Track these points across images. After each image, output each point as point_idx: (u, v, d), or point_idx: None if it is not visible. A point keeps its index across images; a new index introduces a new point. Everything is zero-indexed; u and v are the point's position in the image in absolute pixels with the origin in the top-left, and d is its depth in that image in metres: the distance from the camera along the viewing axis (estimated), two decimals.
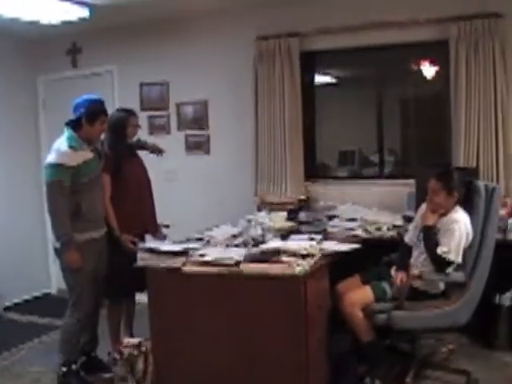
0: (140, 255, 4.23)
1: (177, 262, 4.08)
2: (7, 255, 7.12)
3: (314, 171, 6.46)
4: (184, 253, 4.17)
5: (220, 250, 4.25)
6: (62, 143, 4.64)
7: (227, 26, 6.52)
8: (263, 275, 3.90)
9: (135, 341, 4.74)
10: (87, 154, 4.70)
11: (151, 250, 4.29)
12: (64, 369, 4.82)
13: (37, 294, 7.57)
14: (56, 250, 4.72)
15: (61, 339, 4.90)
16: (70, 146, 4.60)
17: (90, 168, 4.69)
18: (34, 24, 6.12)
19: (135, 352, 4.64)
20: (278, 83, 6.19)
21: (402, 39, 5.80)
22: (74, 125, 4.71)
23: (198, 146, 6.82)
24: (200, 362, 4.16)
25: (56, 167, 4.54)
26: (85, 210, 4.67)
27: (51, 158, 4.59)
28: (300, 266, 3.86)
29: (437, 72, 6.03)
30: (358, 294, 4.42)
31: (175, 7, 6.29)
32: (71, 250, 4.55)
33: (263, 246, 4.25)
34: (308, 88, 6.41)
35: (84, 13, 5.72)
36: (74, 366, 4.86)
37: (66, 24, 6.12)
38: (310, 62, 6.40)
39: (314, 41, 6.16)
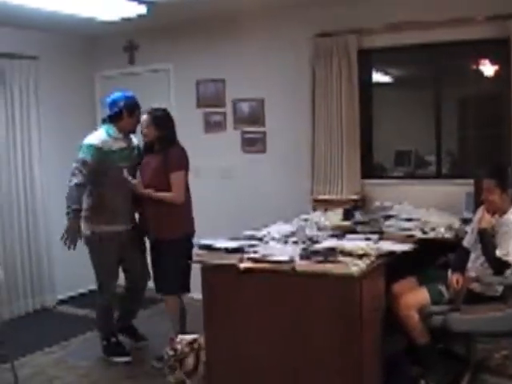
0: (196, 251, 4.24)
1: (232, 259, 4.08)
2: (61, 249, 7.21)
3: (371, 171, 6.37)
4: (239, 250, 4.17)
5: (275, 248, 4.23)
6: (99, 132, 5.25)
7: (284, 22, 6.49)
8: (318, 274, 3.88)
9: (189, 337, 4.77)
10: (122, 143, 5.24)
11: (207, 247, 4.29)
12: (104, 342, 5.49)
13: (89, 288, 7.64)
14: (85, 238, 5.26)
15: (95, 317, 5.59)
16: (108, 134, 5.18)
17: (121, 156, 5.20)
18: (92, 21, 6.20)
19: (186, 349, 4.67)
20: (336, 81, 6.13)
21: (460, 37, 5.68)
22: (113, 118, 5.25)
23: (253, 144, 6.80)
24: (251, 360, 4.16)
25: (87, 148, 5.11)
26: (108, 203, 5.16)
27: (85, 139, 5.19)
28: (356, 266, 3.83)
29: (496, 71, 5.90)
30: (414, 296, 4.36)
31: (231, 4, 6.29)
32: (71, 222, 5.06)
33: (318, 245, 4.22)
34: (365, 87, 6.33)
35: (142, 10, 5.76)
36: (113, 339, 5.48)
37: (124, 21, 6.19)
38: (368, 60, 6.32)
39: (371, 38, 6.08)
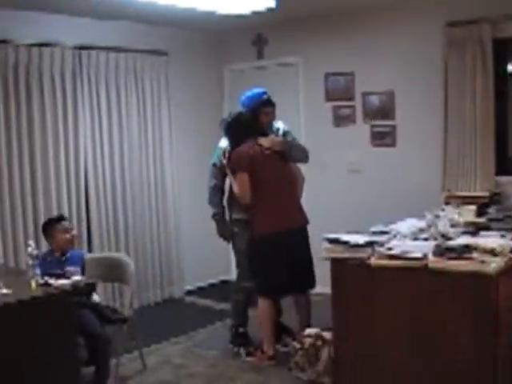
0: (325, 246, 4.18)
1: (363, 254, 4.01)
2: (189, 241, 7.34)
3: (506, 166, 6.11)
4: (370, 245, 4.08)
5: (407, 244, 4.11)
6: None
7: (413, 12, 6.34)
8: (452, 272, 3.74)
9: (315, 332, 4.73)
10: None
11: (337, 241, 4.22)
12: (233, 329, 5.60)
13: (216, 280, 7.76)
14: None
15: (231, 305, 5.72)
16: None
17: None
18: (221, 16, 6.26)
19: (313, 343, 4.63)
20: (469, 73, 5.94)
21: None
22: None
23: (383, 138, 6.66)
24: (379, 358, 4.05)
25: (215, 151, 5.44)
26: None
27: None
28: (493, 264, 3.66)
29: None
30: None
31: None
32: (220, 225, 5.48)
33: (452, 242, 4.07)
34: (500, 78, 6.07)
35: (270, 3, 5.75)
36: (240, 329, 5.56)
37: (252, 15, 6.21)
38: (503, 50, 6.05)
39: (507, 27, 5.80)
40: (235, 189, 5.14)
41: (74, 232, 5.05)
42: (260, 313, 5.25)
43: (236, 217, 5.42)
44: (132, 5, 5.78)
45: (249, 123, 5.26)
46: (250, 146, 5.13)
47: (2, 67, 5.86)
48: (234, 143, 5.20)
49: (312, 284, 5.35)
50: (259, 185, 5.07)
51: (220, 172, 5.38)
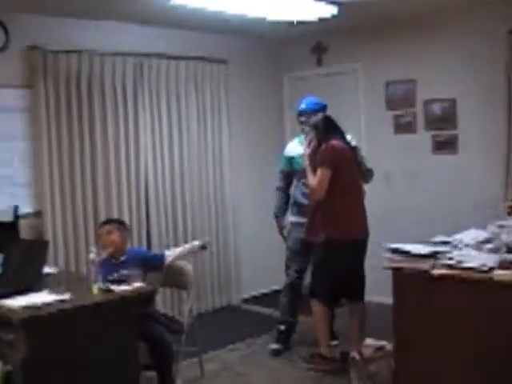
0: (387, 256, 4.14)
1: (425, 264, 3.94)
2: (248, 249, 7.34)
3: None
4: (432, 255, 4.02)
5: (470, 255, 4.03)
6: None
7: (476, 19, 6.25)
8: None
9: (376, 343, 4.68)
10: (297, 150, 5.59)
11: (398, 251, 4.17)
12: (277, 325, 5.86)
13: (275, 288, 7.73)
14: None
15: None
16: (297, 139, 5.71)
17: (301, 159, 5.43)
18: (281, 24, 6.26)
19: (373, 354, 4.58)
20: None
21: None
22: None
23: (444, 146, 6.56)
24: (442, 371, 3.97)
25: (282, 157, 5.85)
26: (294, 196, 5.74)
27: None
28: None
29: None
30: None
31: (422, 3, 6.10)
32: (277, 225, 5.89)
33: None
34: None
35: (332, 10, 5.73)
36: (281, 327, 5.79)
37: (312, 23, 6.19)
38: None
39: None
40: (311, 180, 5.06)
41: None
42: (315, 316, 5.23)
43: (290, 219, 5.79)
44: (193, 14, 5.82)
45: (333, 124, 5.22)
46: (340, 144, 5.09)
47: (65, 75, 5.96)
48: (322, 136, 5.13)
49: (363, 295, 5.32)
50: (341, 185, 5.00)
51: (287, 177, 5.80)
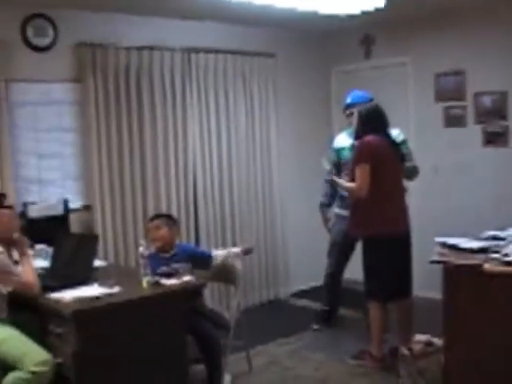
0: (437, 250, 4.08)
1: (477, 260, 3.87)
2: (295, 244, 7.32)
3: None
4: (484, 250, 3.94)
5: None
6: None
7: None
8: None
9: (425, 338, 4.63)
10: (346, 142, 5.80)
11: (449, 246, 4.11)
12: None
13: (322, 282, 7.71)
14: None
15: None
16: (345, 132, 5.88)
17: (346, 151, 5.73)
18: (329, 17, 6.21)
19: (429, 349, 4.53)
20: None
21: None
22: None
23: (495, 139, 6.44)
24: (493, 369, 3.90)
25: (330, 150, 6.04)
26: (338, 188, 5.71)
27: None
28: None
29: None
30: None
31: None
32: (322, 217, 6.13)
33: None
34: None
35: (379, 3, 5.67)
36: (324, 308, 6.24)
37: (360, 15, 6.13)
38: None
39: None
40: (351, 185, 5.04)
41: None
42: (371, 316, 5.17)
43: (335, 210, 6.04)
44: (241, 8, 5.81)
45: (378, 116, 5.13)
46: (377, 139, 5.00)
47: (114, 70, 6.01)
48: (359, 134, 5.10)
49: (411, 290, 5.27)
50: (378, 181, 4.90)
51: (334, 169, 5.85)
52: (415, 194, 6.31)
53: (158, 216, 5.09)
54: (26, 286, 3.94)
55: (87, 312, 3.70)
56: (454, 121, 6.70)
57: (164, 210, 6.19)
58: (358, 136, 5.11)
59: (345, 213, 5.56)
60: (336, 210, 6.01)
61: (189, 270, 4.63)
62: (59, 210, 5.59)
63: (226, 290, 6.58)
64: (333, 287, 6.17)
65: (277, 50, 7.22)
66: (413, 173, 5.47)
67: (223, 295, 6.68)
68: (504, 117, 6.37)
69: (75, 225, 5.78)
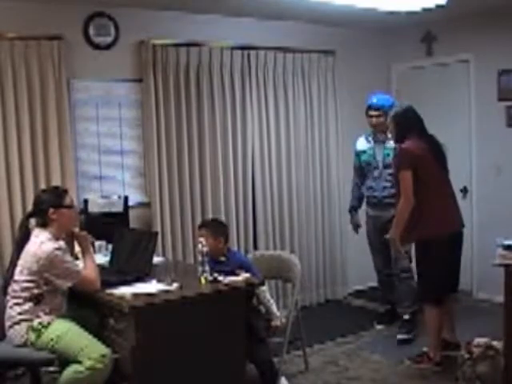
0: (499, 252, 4.01)
1: None
2: (353, 244, 7.27)
3: None
4: None
5: None
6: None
7: None
8: None
9: (485, 340, 4.55)
10: (365, 145, 6.08)
11: (508, 247, 4.04)
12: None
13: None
14: None
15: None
16: (364, 135, 6.13)
17: (366, 154, 6.03)
18: (389, 14, 6.16)
19: (482, 354, 4.44)
20: None
21: None
22: None
23: None
24: None
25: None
26: (363, 189, 6.15)
27: None
28: None
29: None
30: None
31: None
32: (350, 219, 6.44)
33: None
34: None
35: (441, 0, 5.60)
36: (386, 306, 6.37)
37: (421, 12, 6.06)
38: None
39: None
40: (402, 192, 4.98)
41: None
42: (427, 319, 5.10)
43: (369, 213, 6.20)
44: (301, 5, 5.81)
45: (411, 118, 5.07)
46: (414, 143, 4.93)
47: (174, 68, 6.05)
48: (398, 137, 5.07)
49: (458, 286, 5.20)
50: (423, 183, 4.85)
51: (358, 172, 6.22)
52: (476, 194, 6.21)
53: (204, 225, 4.95)
54: (86, 281, 3.99)
55: (147, 308, 3.73)
56: None
57: (222, 209, 6.24)
58: (396, 140, 5.11)
59: (370, 212, 6.15)
60: (367, 210, 6.25)
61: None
62: (119, 207, 5.66)
63: (283, 288, 6.59)
64: (386, 284, 6.22)
65: (337, 47, 7.18)
66: None
67: (280, 293, 6.67)
68: None
69: (134, 221, 5.84)
